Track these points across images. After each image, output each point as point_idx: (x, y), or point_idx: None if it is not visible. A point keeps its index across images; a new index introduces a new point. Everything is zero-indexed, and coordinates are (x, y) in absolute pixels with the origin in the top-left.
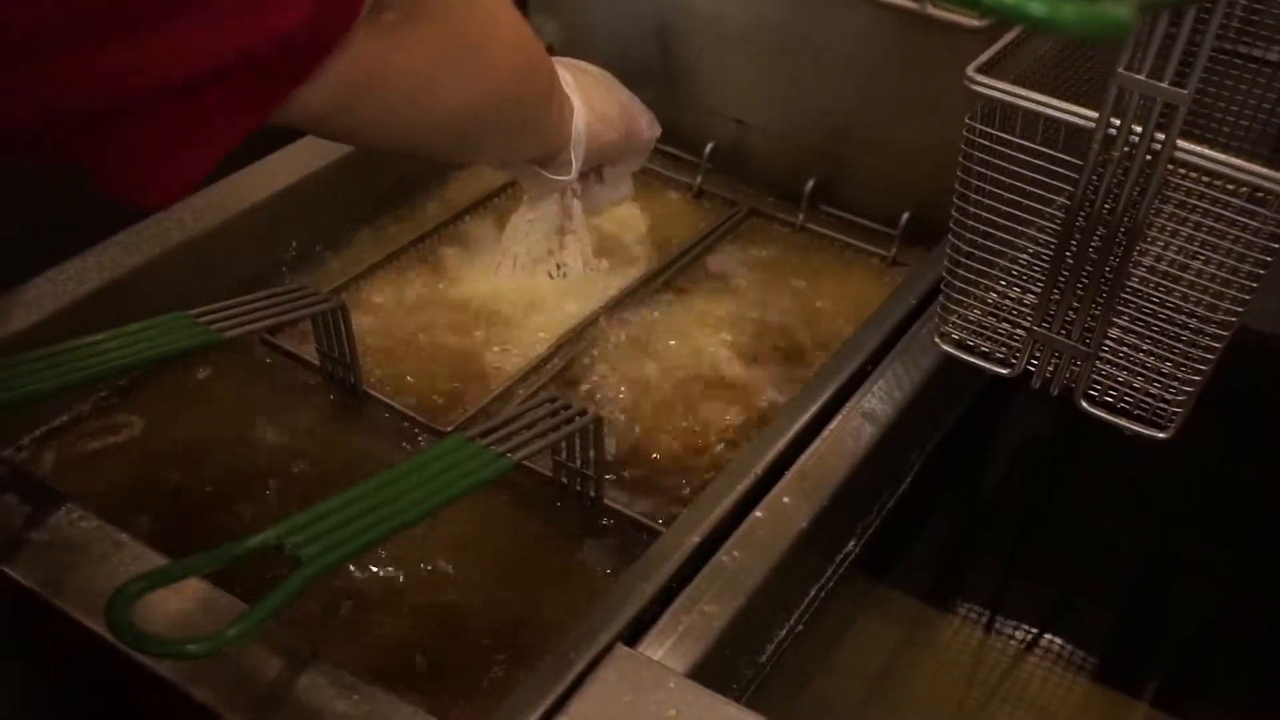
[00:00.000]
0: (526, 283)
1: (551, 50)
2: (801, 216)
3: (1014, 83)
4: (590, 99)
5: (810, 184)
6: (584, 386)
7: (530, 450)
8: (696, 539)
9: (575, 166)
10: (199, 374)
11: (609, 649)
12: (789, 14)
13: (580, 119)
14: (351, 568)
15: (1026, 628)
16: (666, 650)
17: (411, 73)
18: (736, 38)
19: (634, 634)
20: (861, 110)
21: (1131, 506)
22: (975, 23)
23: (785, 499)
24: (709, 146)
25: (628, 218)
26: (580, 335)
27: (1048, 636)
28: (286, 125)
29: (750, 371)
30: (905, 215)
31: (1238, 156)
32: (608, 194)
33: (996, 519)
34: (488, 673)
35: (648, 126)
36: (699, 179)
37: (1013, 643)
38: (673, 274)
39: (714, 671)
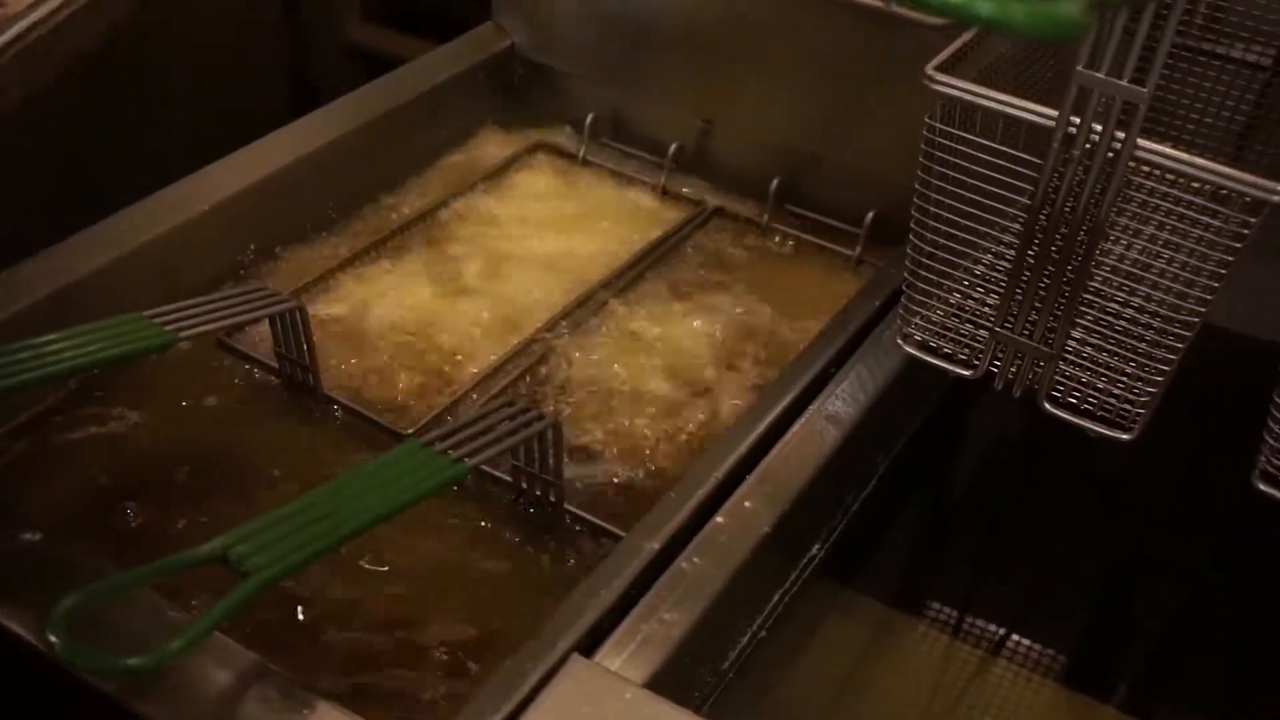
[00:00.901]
0: (491, 284)
1: (513, 50)
2: (766, 216)
3: (976, 81)
4: None
5: (775, 183)
6: (547, 388)
7: (485, 456)
8: (656, 546)
9: None
10: (156, 376)
11: (565, 659)
12: (755, 12)
13: None
14: (306, 575)
15: (994, 630)
16: (624, 660)
17: None
18: (702, 36)
19: (591, 643)
20: (827, 109)
21: (1100, 508)
22: (938, 21)
23: (747, 503)
24: (674, 146)
25: (592, 217)
26: (544, 336)
27: (1015, 639)
28: None
29: (715, 372)
30: (870, 214)
31: (1203, 154)
32: None
33: (964, 521)
34: (445, 683)
35: None
36: (663, 178)
37: (980, 647)
38: (637, 274)
39: (673, 680)
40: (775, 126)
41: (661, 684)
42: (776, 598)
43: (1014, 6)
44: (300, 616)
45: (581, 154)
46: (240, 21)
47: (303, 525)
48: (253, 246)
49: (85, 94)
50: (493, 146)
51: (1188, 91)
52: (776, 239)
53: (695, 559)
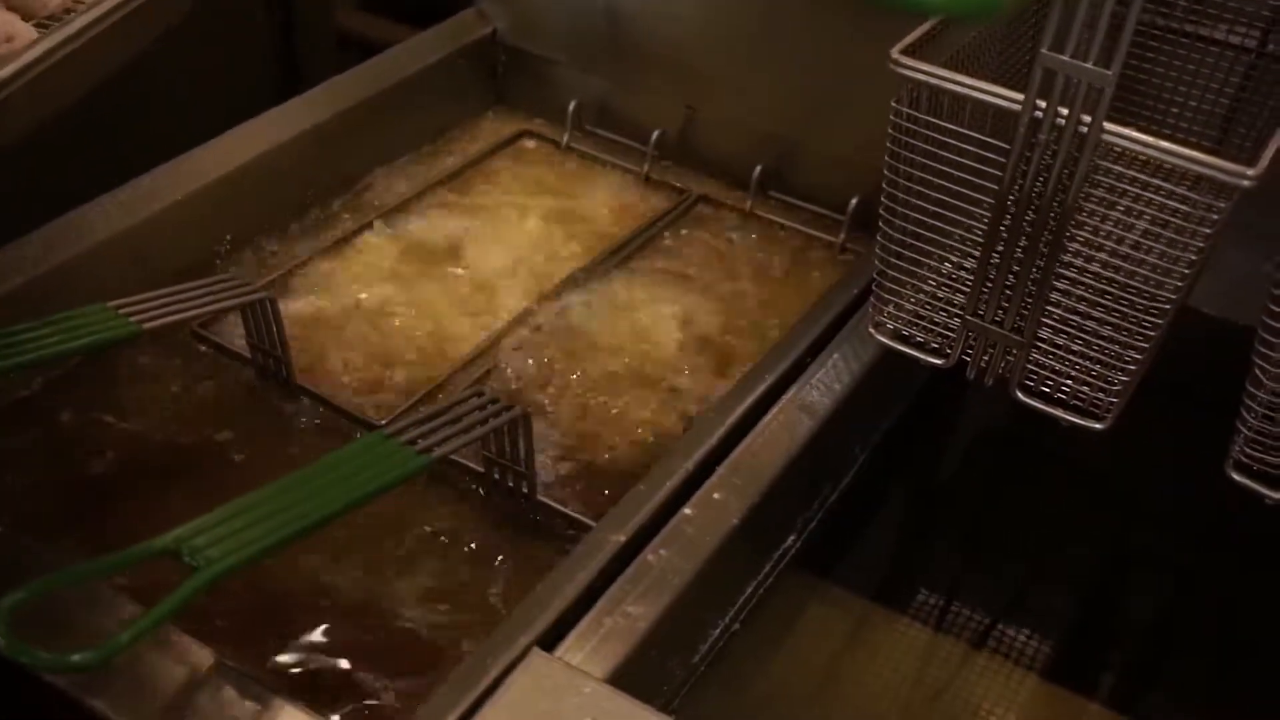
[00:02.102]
0: (470, 273)
1: (496, 36)
2: (750, 203)
3: (949, 64)
4: None
5: (758, 170)
6: (524, 377)
7: (449, 448)
8: (622, 538)
9: None
10: (127, 367)
11: (525, 654)
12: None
13: None
14: (270, 567)
15: (976, 623)
16: (587, 654)
17: None
18: (686, 22)
19: (554, 638)
20: (810, 95)
21: (1084, 499)
22: None
23: (716, 495)
24: (657, 133)
25: (576, 204)
26: (522, 324)
27: (997, 633)
28: None
29: (695, 360)
30: (854, 201)
31: (1186, 138)
32: None
33: (946, 513)
34: (407, 678)
35: None
36: (646, 166)
37: (962, 640)
38: (618, 261)
39: (639, 674)
40: (758, 113)
41: (626, 678)
42: (750, 590)
43: None
44: (263, 608)
45: (565, 141)
46: (227, 8)
47: (259, 519)
48: (229, 236)
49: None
50: (475, 133)
51: (1171, 74)
52: (760, 226)
53: (662, 551)
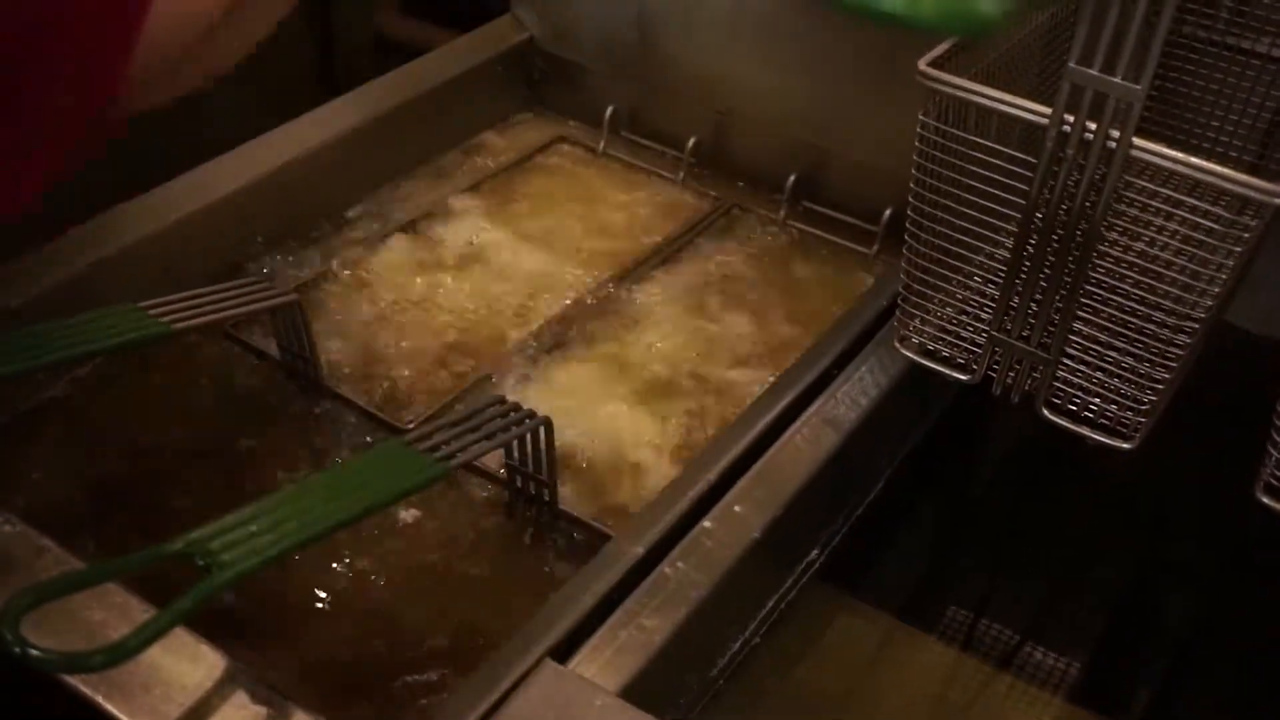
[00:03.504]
0: (504, 278)
1: (532, 42)
2: (783, 213)
3: (980, 75)
4: None
5: (792, 178)
6: (553, 383)
7: (468, 456)
8: (640, 550)
9: None
10: (156, 367)
11: (537, 665)
12: (771, 5)
13: None
14: (288, 570)
15: (1004, 641)
16: (600, 666)
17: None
18: (719, 30)
19: (568, 649)
20: (844, 103)
21: (1114, 516)
22: None
23: (737, 507)
24: (692, 140)
25: (610, 210)
26: (552, 331)
27: (1024, 653)
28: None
29: (726, 371)
30: (888, 212)
31: (1225, 153)
32: None
33: (976, 529)
34: (424, 687)
35: None
36: (681, 173)
37: (989, 659)
38: (651, 268)
39: (653, 688)
40: (793, 121)
41: (640, 692)
42: (771, 604)
43: (925, 2)
44: (279, 612)
45: (601, 147)
46: None
47: (275, 524)
48: (260, 238)
49: None
50: (512, 139)
51: (1210, 88)
52: (793, 236)
53: (680, 564)
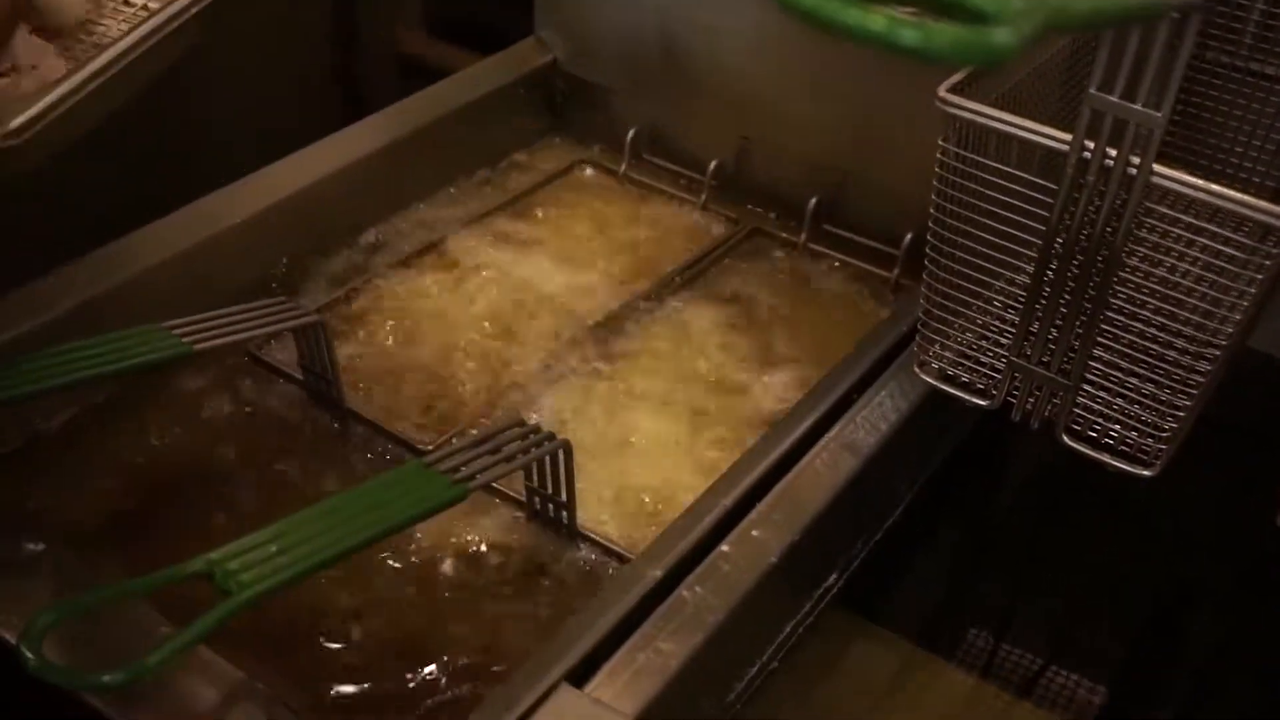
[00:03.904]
0: (526, 299)
1: (555, 65)
2: (804, 236)
3: (1002, 100)
4: None
5: (813, 202)
6: (574, 404)
7: (487, 478)
8: (658, 573)
9: None
10: (181, 386)
11: (554, 689)
12: (792, 30)
13: None
14: (310, 589)
15: (1024, 668)
16: (617, 690)
17: None
18: (741, 53)
19: (584, 673)
20: (866, 127)
21: (1137, 542)
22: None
23: (755, 532)
24: (713, 163)
25: (632, 232)
26: (574, 352)
27: (1044, 681)
28: None
29: (746, 394)
30: (909, 237)
31: (1250, 178)
32: None
33: (996, 554)
34: (442, 709)
35: None
36: (704, 195)
37: (1008, 687)
38: (672, 290)
39: (669, 713)
40: (814, 145)
41: (656, 716)
42: (789, 628)
43: (939, 34)
44: (301, 631)
45: (623, 169)
46: (290, 33)
47: (293, 544)
48: (285, 259)
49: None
50: (534, 160)
51: (1235, 113)
52: (814, 259)
53: (697, 588)
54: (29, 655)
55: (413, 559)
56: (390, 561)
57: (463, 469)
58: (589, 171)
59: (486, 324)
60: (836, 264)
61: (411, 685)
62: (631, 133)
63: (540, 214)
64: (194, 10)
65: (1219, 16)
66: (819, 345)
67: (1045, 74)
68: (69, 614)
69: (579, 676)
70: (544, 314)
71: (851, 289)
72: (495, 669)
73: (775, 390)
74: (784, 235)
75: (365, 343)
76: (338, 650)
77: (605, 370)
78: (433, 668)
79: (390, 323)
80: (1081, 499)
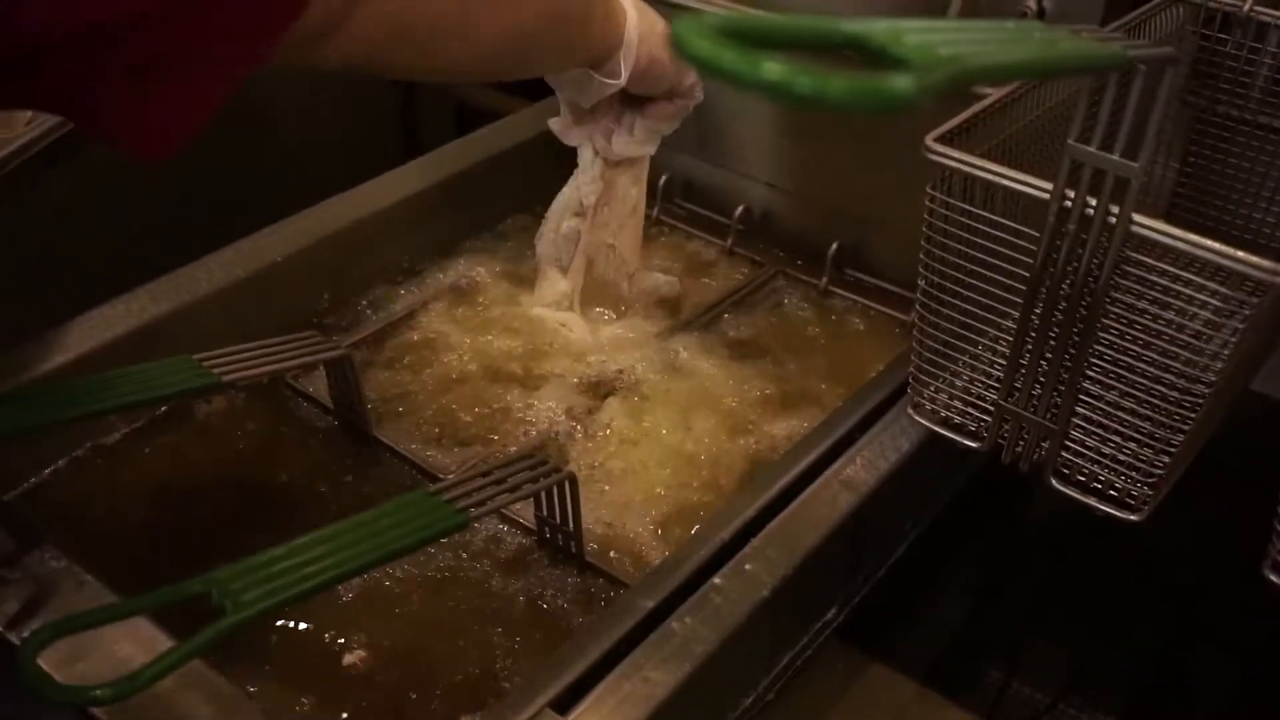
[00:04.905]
0: (548, 336)
1: None
2: (825, 280)
3: (994, 150)
4: (641, 10)
5: (834, 247)
6: (594, 438)
7: (490, 507)
8: (650, 604)
9: (625, 71)
10: (216, 414)
11: (537, 716)
12: None
13: (632, 26)
14: (311, 610)
15: (1035, 705)
16: (602, 717)
17: (443, 9)
18: (767, 105)
19: (569, 700)
20: (886, 177)
21: (1147, 584)
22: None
23: (748, 566)
24: (739, 209)
25: (659, 273)
26: (597, 388)
27: None
28: (329, 69)
29: (763, 432)
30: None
31: (1260, 229)
32: (634, 145)
33: (1002, 596)
34: None
35: (693, 78)
36: (729, 240)
37: None
38: (695, 330)
39: None
40: (836, 193)
41: None
42: (785, 662)
43: (833, 82)
44: (305, 650)
45: (655, 213)
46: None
47: (297, 565)
48: (327, 295)
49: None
50: None
51: (1244, 165)
52: (834, 302)
53: (687, 619)
54: (26, 670)
55: (421, 582)
56: (396, 582)
57: (467, 498)
58: None
59: (519, 361)
60: (857, 307)
61: (409, 710)
62: (664, 179)
63: None
64: None
65: (1227, 70)
66: (837, 385)
67: (1040, 126)
68: (67, 631)
69: (564, 704)
70: (571, 351)
71: (871, 331)
72: (494, 695)
73: (789, 430)
74: (805, 278)
75: (397, 376)
76: (341, 671)
77: (621, 410)
78: (431, 694)
79: (422, 358)
80: (1093, 542)
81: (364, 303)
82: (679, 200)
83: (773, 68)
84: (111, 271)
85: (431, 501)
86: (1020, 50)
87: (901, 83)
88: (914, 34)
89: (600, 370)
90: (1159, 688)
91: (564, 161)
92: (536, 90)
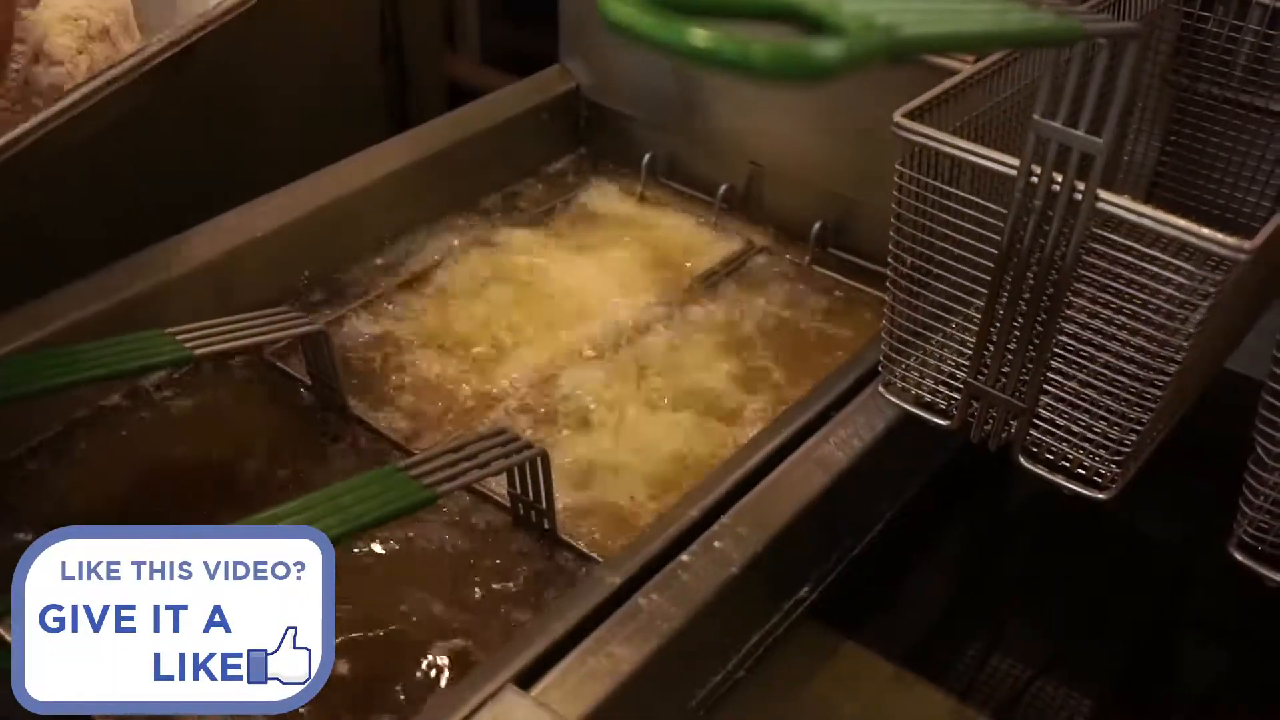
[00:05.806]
0: (537, 313)
1: (579, 92)
2: (808, 257)
3: (964, 127)
4: None
5: (818, 226)
6: (571, 414)
7: (458, 483)
8: (616, 580)
9: None
10: (193, 388)
11: (499, 691)
12: None
13: None
14: None
15: (1004, 691)
16: (564, 693)
17: None
18: (751, 87)
19: (533, 675)
20: (868, 154)
21: (1126, 564)
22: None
23: (716, 543)
24: (723, 187)
25: (644, 250)
26: (573, 362)
27: (1024, 705)
28: None
29: (741, 409)
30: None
31: (1241, 208)
32: None
33: (979, 575)
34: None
35: None
36: (713, 218)
37: (984, 712)
38: (677, 307)
39: (619, 716)
40: (820, 172)
41: (604, 719)
42: (756, 639)
43: (756, 46)
44: None
45: (640, 191)
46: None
47: None
48: (307, 272)
49: (184, 126)
50: (555, 181)
51: (1225, 144)
52: (817, 279)
53: (654, 595)
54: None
55: (389, 557)
56: (369, 559)
57: (437, 474)
58: (609, 191)
59: (498, 335)
60: (838, 284)
61: (380, 682)
62: (648, 157)
63: (557, 232)
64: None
65: (1209, 49)
66: (813, 364)
67: (1015, 103)
68: None
69: (527, 679)
70: (553, 326)
71: (852, 309)
72: (463, 671)
73: (767, 409)
74: (789, 257)
75: (378, 351)
76: None
77: (597, 384)
78: (400, 665)
79: (402, 332)
80: (1073, 522)
81: (343, 278)
82: (662, 178)
83: (698, 33)
84: (94, 251)
85: (399, 477)
86: (965, 21)
87: (827, 49)
88: (853, 2)
89: (576, 345)
90: (1136, 667)
91: (541, 138)
92: (533, 69)
